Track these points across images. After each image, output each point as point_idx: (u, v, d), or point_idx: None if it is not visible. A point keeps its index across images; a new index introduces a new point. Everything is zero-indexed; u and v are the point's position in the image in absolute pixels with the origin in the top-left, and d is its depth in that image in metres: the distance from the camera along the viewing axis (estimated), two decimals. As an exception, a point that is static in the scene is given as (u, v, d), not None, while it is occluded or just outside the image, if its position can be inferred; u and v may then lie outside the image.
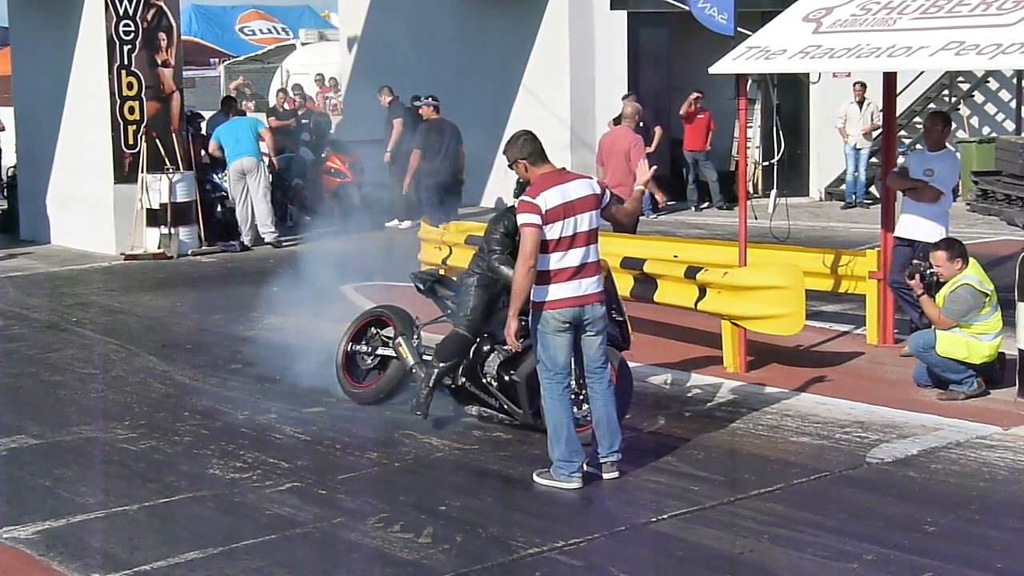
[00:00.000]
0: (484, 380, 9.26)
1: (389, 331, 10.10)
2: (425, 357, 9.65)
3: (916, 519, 7.49)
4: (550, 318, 7.93)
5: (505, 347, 9.04)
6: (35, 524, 7.64)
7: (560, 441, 8.05)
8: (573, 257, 7.92)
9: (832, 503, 7.80)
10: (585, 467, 8.15)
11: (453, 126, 19.63)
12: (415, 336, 9.91)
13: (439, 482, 8.29)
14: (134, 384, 10.95)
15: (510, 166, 8.25)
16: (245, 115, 20.59)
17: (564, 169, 8.29)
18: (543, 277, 7.90)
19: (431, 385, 9.29)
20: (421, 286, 10.05)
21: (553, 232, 7.85)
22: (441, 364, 9.28)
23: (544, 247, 7.86)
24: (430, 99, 19.57)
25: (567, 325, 7.95)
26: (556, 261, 7.89)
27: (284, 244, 18.98)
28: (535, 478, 8.18)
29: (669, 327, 12.27)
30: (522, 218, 7.87)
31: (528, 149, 8.11)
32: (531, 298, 7.97)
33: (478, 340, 9.29)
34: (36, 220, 20.22)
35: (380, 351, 10.08)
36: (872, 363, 11.14)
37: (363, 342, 10.23)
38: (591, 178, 8.29)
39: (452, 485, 8.24)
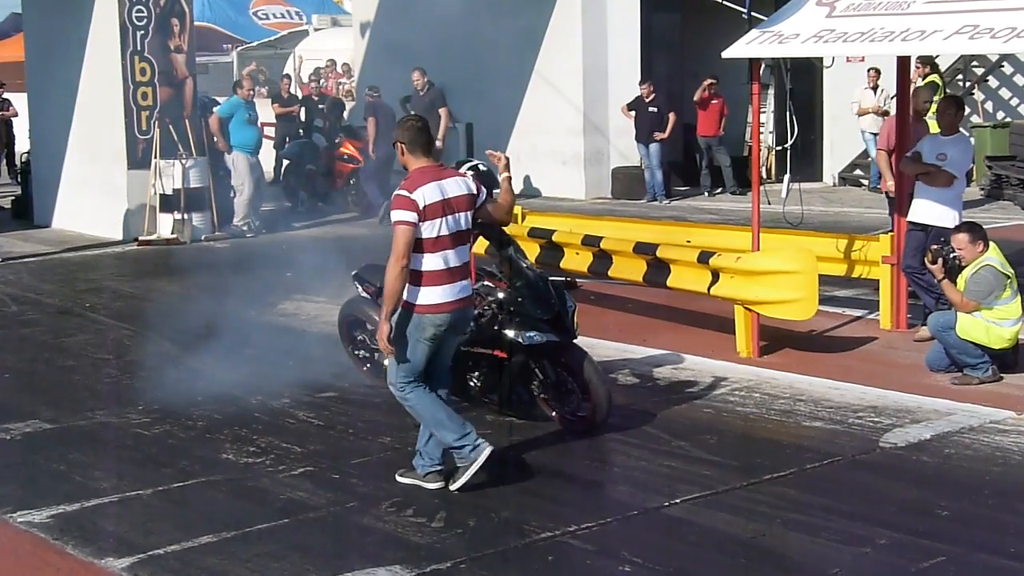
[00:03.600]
0: (471, 394, 9.25)
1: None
2: None
3: (929, 504, 7.48)
4: (427, 324, 7.53)
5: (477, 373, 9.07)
6: (49, 508, 7.67)
7: (444, 428, 7.65)
8: (451, 257, 7.55)
9: (845, 488, 7.80)
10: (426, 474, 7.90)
11: (390, 108, 20.80)
12: None
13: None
14: (147, 369, 10.97)
15: (394, 145, 7.82)
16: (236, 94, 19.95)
17: (442, 165, 7.95)
18: (416, 277, 7.50)
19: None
20: (368, 298, 9.89)
21: (431, 230, 7.46)
22: None
23: (419, 246, 7.46)
24: (374, 90, 21.12)
25: (441, 331, 7.58)
26: (433, 262, 7.50)
27: (296, 228, 19.00)
28: (398, 478, 7.94)
29: (682, 312, 12.28)
30: (396, 215, 7.44)
31: (410, 136, 7.69)
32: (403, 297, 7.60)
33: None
34: (50, 206, 20.27)
35: (376, 356, 9.96)
36: (885, 348, 11.13)
37: (358, 347, 10.20)
38: (466, 176, 7.95)
39: (465, 470, 8.24)
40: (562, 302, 8.76)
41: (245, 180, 18.74)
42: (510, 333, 8.68)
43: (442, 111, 21.08)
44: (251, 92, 19.58)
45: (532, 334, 8.61)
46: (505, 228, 8.88)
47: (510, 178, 8.13)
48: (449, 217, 7.54)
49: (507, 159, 8.23)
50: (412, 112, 21.33)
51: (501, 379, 8.98)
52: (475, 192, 7.76)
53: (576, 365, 8.73)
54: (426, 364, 7.68)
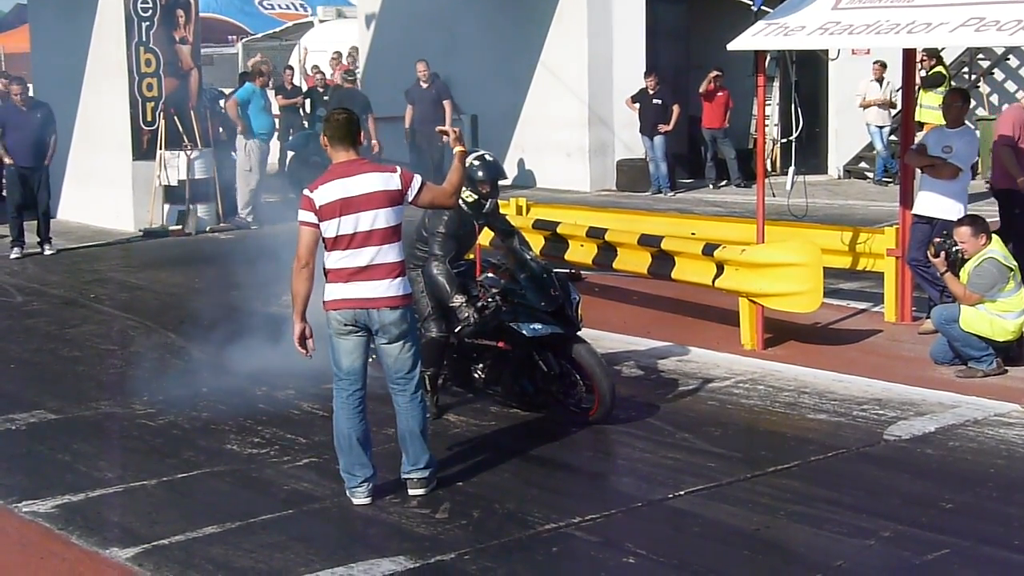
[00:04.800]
0: (476, 385, 9.25)
1: None
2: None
3: (933, 496, 7.49)
4: (331, 319, 7.44)
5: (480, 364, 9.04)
6: (54, 498, 7.68)
7: (341, 452, 7.57)
8: (353, 257, 7.34)
9: (849, 480, 7.80)
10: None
11: (363, 95, 20.88)
12: None
13: (456, 458, 8.30)
14: (152, 360, 10.99)
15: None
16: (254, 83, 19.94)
17: (363, 160, 7.53)
18: (325, 274, 7.45)
19: (427, 390, 8.94)
20: None
21: (329, 230, 7.30)
22: (430, 370, 8.92)
23: (324, 243, 7.38)
24: (350, 74, 22.08)
25: (348, 328, 7.42)
26: (336, 260, 7.38)
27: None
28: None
29: (686, 304, 12.28)
30: (299, 215, 7.37)
31: (331, 130, 7.46)
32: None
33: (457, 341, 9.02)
34: (54, 197, 20.19)
35: None
36: (890, 341, 11.12)
37: None
38: (394, 171, 7.50)
39: (469, 461, 8.25)
40: (566, 294, 8.75)
41: (255, 167, 18.75)
42: (514, 325, 8.67)
43: (446, 103, 21.10)
44: (267, 82, 19.64)
45: (536, 326, 8.61)
46: (510, 219, 8.86)
47: (464, 153, 7.82)
48: (349, 217, 7.29)
49: (457, 132, 7.95)
50: (410, 105, 21.42)
51: (505, 371, 8.98)
52: (399, 188, 7.40)
53: (580, 357, 8.73)
54: (350, 364, 7.50)
